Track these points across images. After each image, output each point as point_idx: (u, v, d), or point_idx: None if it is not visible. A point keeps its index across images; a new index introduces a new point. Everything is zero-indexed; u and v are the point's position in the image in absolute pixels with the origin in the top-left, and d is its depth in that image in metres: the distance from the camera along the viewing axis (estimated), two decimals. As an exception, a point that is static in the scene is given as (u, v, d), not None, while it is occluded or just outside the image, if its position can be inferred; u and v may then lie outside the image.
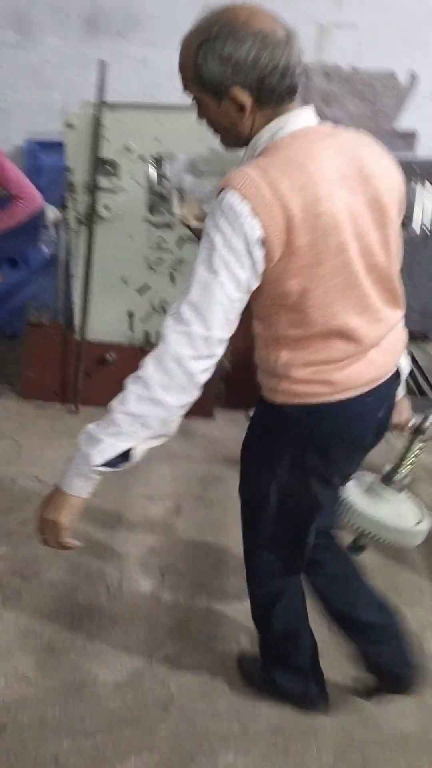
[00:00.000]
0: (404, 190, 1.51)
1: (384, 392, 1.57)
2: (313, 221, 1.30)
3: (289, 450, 1.57)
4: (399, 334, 1.62)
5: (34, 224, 3.55)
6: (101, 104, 3.18)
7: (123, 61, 3.79)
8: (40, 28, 4.08)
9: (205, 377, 1.36)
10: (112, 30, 4.05)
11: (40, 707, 1.98)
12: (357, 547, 2.43)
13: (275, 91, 1.33)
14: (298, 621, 1.87)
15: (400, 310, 1.58)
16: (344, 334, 1.44)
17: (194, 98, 1.40)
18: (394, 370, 1.61)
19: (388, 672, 1.94)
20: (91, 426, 1.38)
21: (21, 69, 4.09)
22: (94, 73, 3.16)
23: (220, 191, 1.31)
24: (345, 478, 1.75)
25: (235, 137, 1.42)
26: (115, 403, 1.36)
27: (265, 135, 1.38)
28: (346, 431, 1.55)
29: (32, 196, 3.06)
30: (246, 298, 1.35)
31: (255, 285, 1.35)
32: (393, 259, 1.50)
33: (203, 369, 1.35)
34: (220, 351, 1.35)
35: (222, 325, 1.32)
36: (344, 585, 1.92)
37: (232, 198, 1.27)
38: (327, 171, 1.33)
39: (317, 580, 1.91)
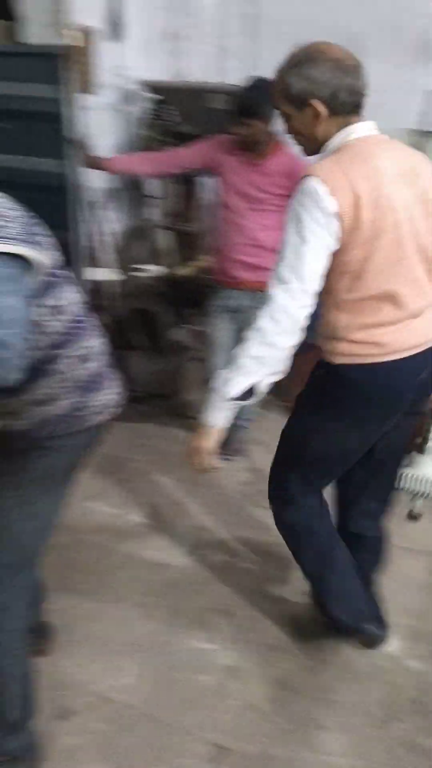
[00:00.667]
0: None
1: (424, 358, 1.83)
2: (376, 202, 1.64)
3: (339, 404, 1.87)
4: None
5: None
6: (426, 133, 3.07)
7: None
8: (370, 54, 4.06)
9: (305, 322, 1.71)
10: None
11: (266, 743, 1.96)
12: (413, 515, 2.86)
13: (345, 104, 1.69)
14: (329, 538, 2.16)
15: None
16: (393, 299, 1.74)
17: (282, 113, 1.78)
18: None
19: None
20: (223, 371, 1.76)
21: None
22: (419, 101, 3.05)
23: (303, 178, 1.65)
24: (381, 433, 1.94)
25: (313, 142, 1.77)
26: (239, 351, 1.73)
27: (337, 139, 1.73)
28: (390, 389, 1.82)
29: None
30: (327, 259, 1.67)
31: (334, 248, 1.67)
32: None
33: (304, 315, 1.69)
34: (314, 300, 1.70)
35: (314, 280, 1.67)
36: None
37: (314, 182, 1.62)
38: (386, 167, 1.68)
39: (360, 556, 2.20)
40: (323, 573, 2.16)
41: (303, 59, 1.69)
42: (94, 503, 2.95)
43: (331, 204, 1.62)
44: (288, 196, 2.46)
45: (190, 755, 1.92)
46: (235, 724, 2.01)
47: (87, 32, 3.47)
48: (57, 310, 1.54)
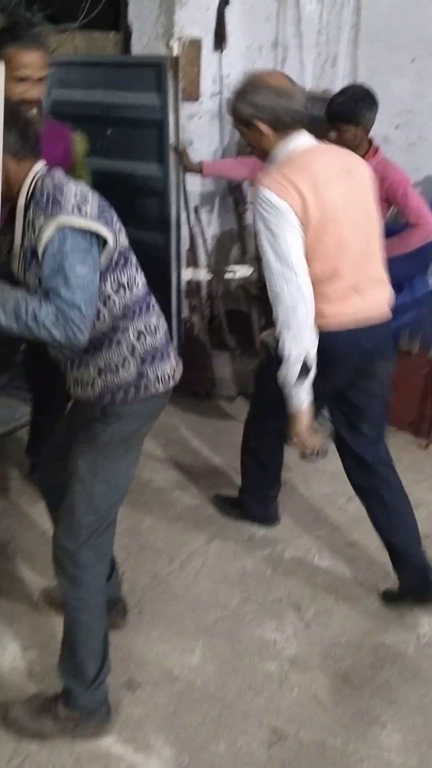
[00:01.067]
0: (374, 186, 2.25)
1: (366, 332, 2.19)
2: (318, 199, 2.01)
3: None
4: (381, 290, 2.25)
5: (427, 253, 3.51)
6: None
7: None
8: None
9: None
10: None
11: (323, 734, 1.99)
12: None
13: (285, 123, 2.06)
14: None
15: (380, 269, 2.25)
16: (335, 275, 2.10)
17: (238, 129, 2.20)
18: (378, 318, 2.22)
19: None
20: (281, 371, 2.08)
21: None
22: None
23: (257, 188, 2.01)
24: (334, 388, 2.32)
25: (262, 152, 2.16)
26: (281, 353, 2.06)
27: (282, 150, 2.10)
28: (328, 354, 2.10)
29: (429, 226, 3.03)
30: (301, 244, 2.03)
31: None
32: (373, 230, 2.21)
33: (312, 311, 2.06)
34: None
35: (306, 276, 2.03)
36: (398, 518, 2.44)
37: (266, 192, 1.98)
38: (323, 169, 2.07)
39: (373, 509, 2.47)
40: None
41: (248, 88, 2.09)
42: (178, 493, 3.07)
43: (283, 206, 1.98)
44: (382, 200, 2.67)
45: (248, 736, 1.98)
46: (295, 712, 2.06)
47: (192, 43, 3.61)
48: (123, 286, 1.73)
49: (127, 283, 1.73)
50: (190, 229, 3.74)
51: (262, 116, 2.05)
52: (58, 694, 1.97)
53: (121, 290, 1.72)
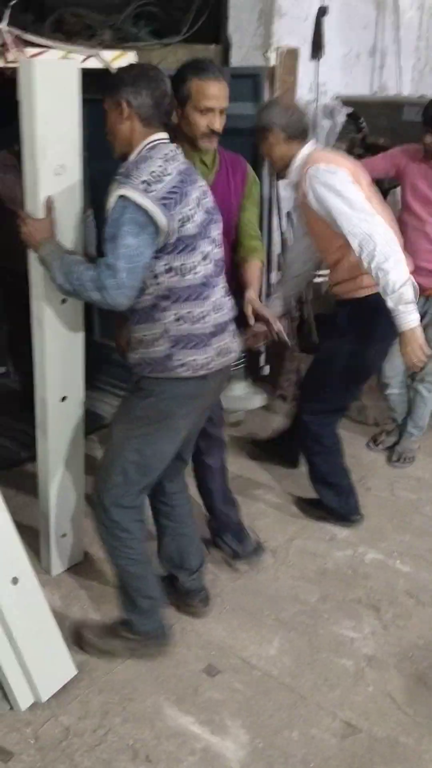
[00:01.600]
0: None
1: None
2: (358, 175, 2.50)
3: (379, 326, 2.58)
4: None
5: None
6: None
7: None
8: None
9: None
10: None
11: (396, 730, 2.02)
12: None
13: (295, 134, 2.53)
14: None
15: None
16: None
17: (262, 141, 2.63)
18: None
19: None
20: (392, 297, 2.29)
21: None
22: None
23: (311, 170, 2.44)
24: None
25: (280, 160, 2.60)
26: (389, 286, 2.29)
27: (299, 155, 2.55)
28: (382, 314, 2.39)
29: None
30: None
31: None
32: None
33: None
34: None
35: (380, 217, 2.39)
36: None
37: (320, 164, 2.43)
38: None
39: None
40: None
41: (265, 106, 2.62)
42: (263, 491, 3.15)
43: (339, 168, 2.39)
44: None
45: (321, 727, 2.03)
46: (368, 708, 2.09)
47: (289, 52, 3.69)
48: (176, 270, 1.87)
49: (180, 267, 1.88)
50: (282, 234, 3.82)
51: (277, 127, 2.50)
52: (122, 620, 2.24)
53: (171, 273, 1.87)
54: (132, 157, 1.90)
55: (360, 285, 2.57)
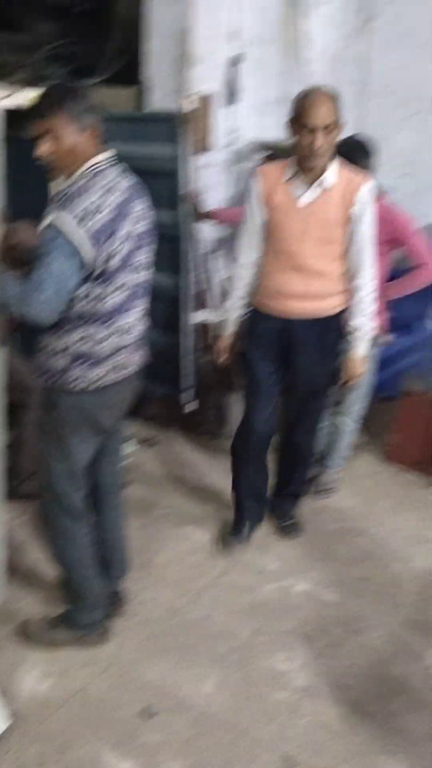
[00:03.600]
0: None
1: None
2: None
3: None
4: None
5: (430, 297, 3.65)
6: None
7: None
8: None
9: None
10: None
11: (335, 760, 2.06)
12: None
13: None
14: None
15: None
16: None
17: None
18: None
19: None
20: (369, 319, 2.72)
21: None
22: None
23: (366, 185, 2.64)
24: None
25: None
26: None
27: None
28: None
29: None
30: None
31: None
32: None
33: None
34: None
35: None
36: None
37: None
38: None
39: None
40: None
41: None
42: (191, 529, 3.16)
43: None
44: (386, 242, 2.86)
45: (261, 762, 2.04)
46: (306, 739, 2.12)
47: (205, 98, 3.82)
48: (92, 298, 2.00)
49: (96, 296, 2.00)
50: (201, 273, 3.90)
51: None
52: (66, 613, 2.40)
53: (86, 299, 1.99)
54: (73, 178, 1.97)
55: (340, 301, 2.75)
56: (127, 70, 4.00)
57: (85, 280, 1.95)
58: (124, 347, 2.15)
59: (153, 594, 2.70)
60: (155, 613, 2.61)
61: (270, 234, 2.65)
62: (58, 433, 2.18)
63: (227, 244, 4.25)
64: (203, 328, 3.85)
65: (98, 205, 1.92)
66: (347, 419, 3.41)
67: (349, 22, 4.53)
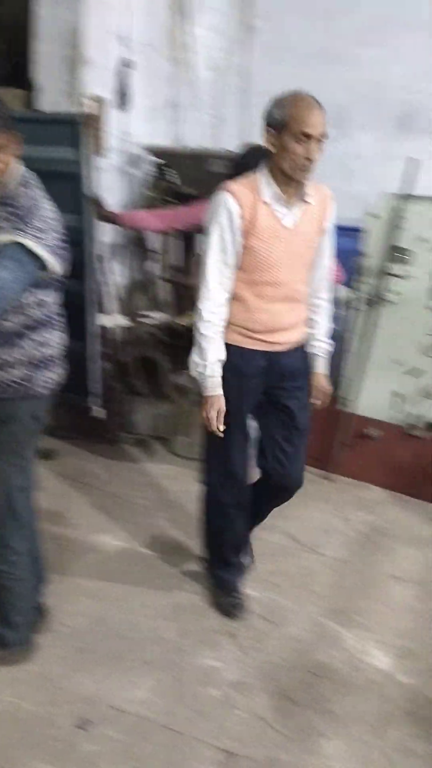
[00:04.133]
0: None
1: None
2: None
3: None
4: None
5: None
6: (406, 197, 3.40)
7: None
8: (355, 125, 4.44)
9: None
10: (422, 128, 4.28)
11: (274, 750, 2.12)
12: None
13: None
14: None
15: None
16: None
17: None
18: None
19: None
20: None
21: (332, 160, 4.46)
22: (400, 168, 3.37)
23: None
24: None
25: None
26: None
27: None
28: None
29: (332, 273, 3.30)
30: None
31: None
32: None
33: None
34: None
35: None
36: None
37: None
38: None
39: None
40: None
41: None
42: (102, 537, 3.13)
43: None
44: None
45: (201, 760, 2.07)
46: (243, 733, 2.18)
47: (99, 101, 3.80)
48: (40, 303, 2.05)
49: (45, 301, 2.06)
50: (102, 278, 3.87)
51: None
52: None
53: (37, 306, 2.04)
54: (13, 189, 1.93)
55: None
56: (15, 72, 3.90)
57: (37, 287, 1.99)
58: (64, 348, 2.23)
59: (75, 605, 2.66)
60: (80, 624, 2.57)
61: (252, 264, 2.28)
62: (15, 446, 2.16)
63: (125, 249, 4.25)
64: (107, 334, 3.83)
65: (50, 214, 1.97)
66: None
67: (233, 31, 4.65)
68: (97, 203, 3.36)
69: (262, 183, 2.24)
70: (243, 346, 2.37)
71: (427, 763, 2.11)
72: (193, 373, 2.36)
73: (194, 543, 3.10)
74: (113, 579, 2.84)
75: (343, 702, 2.32)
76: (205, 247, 2.28)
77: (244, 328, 2.35)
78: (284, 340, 2.41)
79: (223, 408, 2.36)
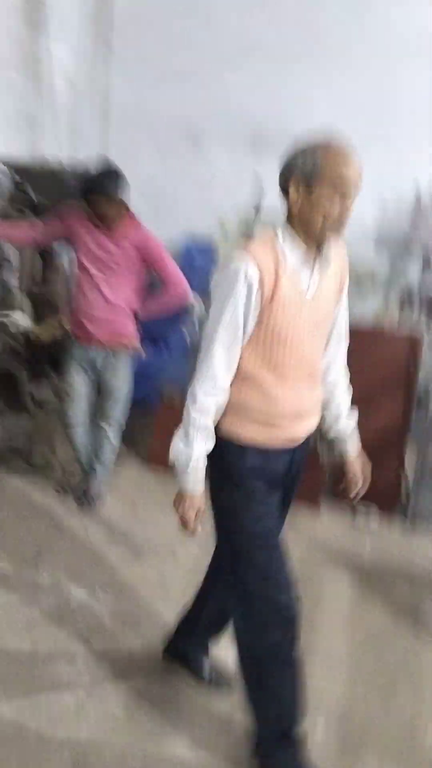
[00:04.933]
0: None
1: None
2: None
3: None
4: None
5: (180, 314, 3.95)
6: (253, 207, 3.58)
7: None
8: (207, 141, 4.63)
9: None
10: (272, 149, 4.52)
11: (124, 747, 2.17)
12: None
13: None
14: None
15: None
16: None
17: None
18: None
19: None
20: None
21: (188, 176, 4.62)
22: (250, 182, 3.56)
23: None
24: None
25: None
26: None
27: None
28: None
29: (183, 290, 3.42)
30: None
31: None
32: None
33: None
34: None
35: None
36: None
37: None
38: None
39: None
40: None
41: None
42: None
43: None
44: (136, 263, 3.00)
45: (55, 763, 2.09)
46: (95, 736, 2.20)
47: None
48: None
49: None
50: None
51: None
52: None
53: None
54: None
55: None
56: None
57: None
58: None
59: None
60: None
61: (270, 339, 1.90)
62: None
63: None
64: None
65: None
66: (110, 430, 3.55)
67: (90, 47, 4.71)
68: None
69: (284, 245, 1.88)
70: (266, 447, 1.98)
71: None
72: (173, 458, 1.97)
73: (55, 556, 3.10)
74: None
75: (192, 697, 2.40)
76: (213, 321, 1.89)
77: (249, 422, 1.96)
78: (303, 430, 2.06)
79: (203, 509, 2.00)
